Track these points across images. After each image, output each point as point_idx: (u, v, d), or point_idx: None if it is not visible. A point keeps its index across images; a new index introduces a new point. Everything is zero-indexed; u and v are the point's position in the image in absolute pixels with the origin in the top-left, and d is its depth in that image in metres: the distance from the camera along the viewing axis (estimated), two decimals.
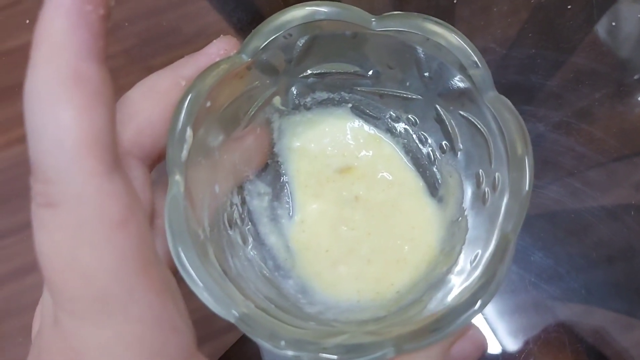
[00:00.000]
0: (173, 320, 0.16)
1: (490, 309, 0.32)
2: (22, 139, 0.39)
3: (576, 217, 0.34)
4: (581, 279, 0.32)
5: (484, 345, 0.18)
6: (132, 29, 0.40)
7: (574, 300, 0.32)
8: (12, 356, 0.33)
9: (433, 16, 0.20)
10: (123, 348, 0.15)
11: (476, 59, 0.19)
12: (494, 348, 0.31)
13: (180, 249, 0.16)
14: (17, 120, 0.39)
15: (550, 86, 0.37)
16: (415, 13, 0.20)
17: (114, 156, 0.15)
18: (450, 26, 0.19)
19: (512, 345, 0.31)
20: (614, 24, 0.38)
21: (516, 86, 0.36)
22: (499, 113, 0.18)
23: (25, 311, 0.34)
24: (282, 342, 0.16)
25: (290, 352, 0.16)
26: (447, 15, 0.39)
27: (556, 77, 0.37)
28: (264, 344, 0.16)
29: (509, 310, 0.32)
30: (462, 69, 0.20)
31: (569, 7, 0.38)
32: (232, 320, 0.16)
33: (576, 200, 0.34)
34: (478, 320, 0.32)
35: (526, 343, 0.31)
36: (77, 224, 0.14)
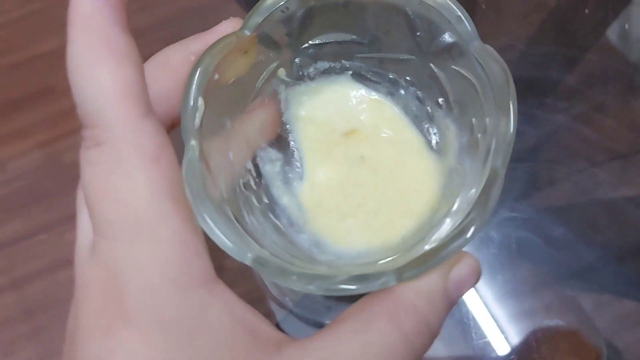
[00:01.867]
0: (196, 245, 0.18)
1: (502, 300, 0.32)
2: (57, 139, 0.41)
3: (590, 211, 0.34)
4: (594, 273, 0.33)
5: (479, 269, 0.19)
6: (158, 35, 0.42)
7: (587, 294, 0.33)
8: (47, 347, 0.35)
9: None
10: (153, 266, 0.17)
11: (460, 13, 0.21)
12: (505, 342, 0.31)
13: (199, 204, 0.18)
14: (48, 122, 0.41)
15: (567, 81, 0.37)
16: None
17: (147, 103, 0.17)
18: None
19: (525, 338, 0.32)
20: (626, 26, 0.39)
21: (536, 80, 0.37)
22: (484, 61, 0.20)
23: (58, 303, 0.36)
24: (294, 277, 0.17)
25: (299, 286, 0.17)
26: (468, 11, 0.41)
27: (573, 73, 0.38)
28: (279, 282, 0.18)
29: (521, 303, 0.32)
30: (450, 25, 0.21)
31: (586, 11, 0.39)
32: (248, 263, 0.18)
33: (590, 194, 0.34)
34: (487, 314, 0.32)
35: (538, 336, 0.32)
36: (116, 159, 0.17)
